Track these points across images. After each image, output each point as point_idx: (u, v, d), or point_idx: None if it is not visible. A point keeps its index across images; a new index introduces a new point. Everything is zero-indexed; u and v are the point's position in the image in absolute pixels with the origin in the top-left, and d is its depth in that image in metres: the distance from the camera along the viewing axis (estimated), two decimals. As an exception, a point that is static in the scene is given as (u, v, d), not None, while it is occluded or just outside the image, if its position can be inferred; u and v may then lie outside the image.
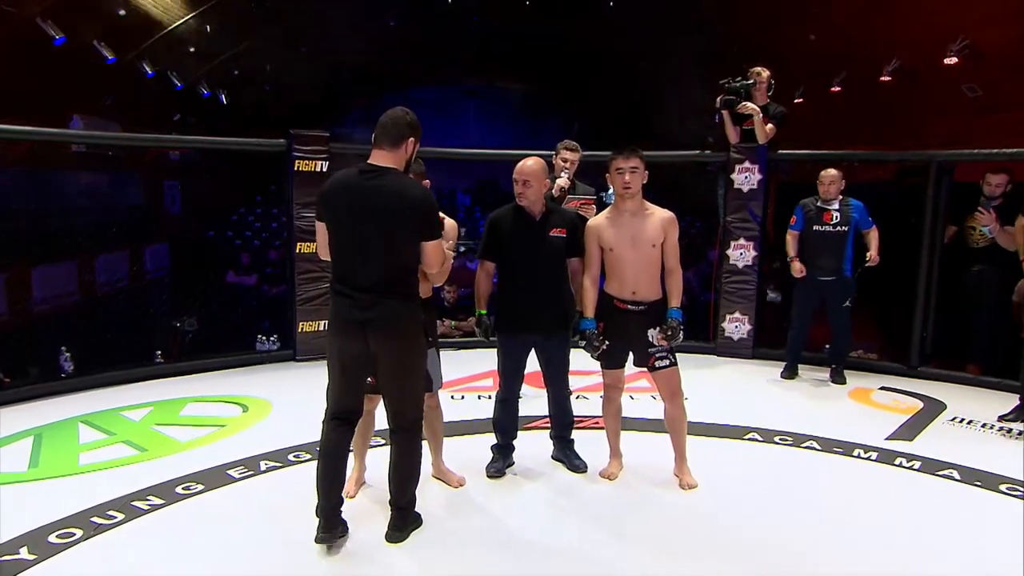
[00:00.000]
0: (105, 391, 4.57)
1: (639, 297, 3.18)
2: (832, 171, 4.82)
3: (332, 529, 2.70)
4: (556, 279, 3.32)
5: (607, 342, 3.21)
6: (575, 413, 3.59)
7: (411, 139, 2.64)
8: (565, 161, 4.23)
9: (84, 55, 7.71)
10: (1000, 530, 2.95)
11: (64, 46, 7.24)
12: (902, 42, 7.99)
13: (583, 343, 3.23)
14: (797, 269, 4.87)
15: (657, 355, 3.20)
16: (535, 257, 3.25)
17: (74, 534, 2.75)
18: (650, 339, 3.18)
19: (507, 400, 3.44)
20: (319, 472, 2.71)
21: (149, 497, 3.07)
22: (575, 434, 3.57)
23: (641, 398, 4.43)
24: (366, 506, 3.07)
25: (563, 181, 4.17)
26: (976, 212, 4.61)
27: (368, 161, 2.62)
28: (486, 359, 4.97)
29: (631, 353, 3.29)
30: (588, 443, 3.58)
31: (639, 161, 3.14)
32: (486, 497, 3.19)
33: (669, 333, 3.15)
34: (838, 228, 4.78)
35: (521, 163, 3.25)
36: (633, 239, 3.16)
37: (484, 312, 3.34)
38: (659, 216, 3.20)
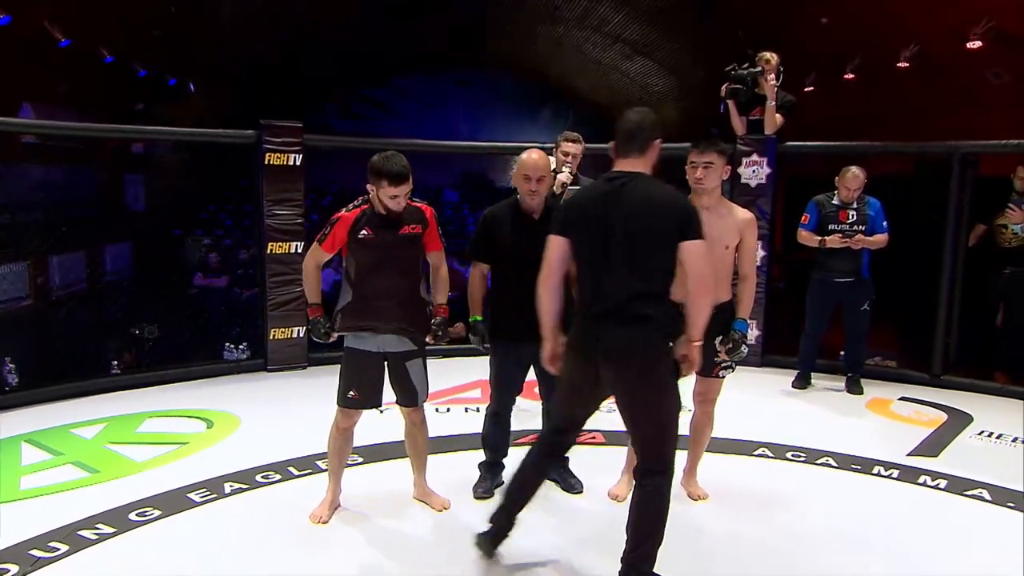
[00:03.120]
0: (54, 406, 4.44)
1: None
2: (859, 173, 4.71)
3: (497, 545, 2.73)
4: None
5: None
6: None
7: (657, 140, 2.61)
8: (566, 155, 4.16)
9: (34, 37, 7.57)
10: (1035, 556, 2.87)
11: (10, 27, 7.09)
12: (921, 25, 7.95)
13: None
14: (837, 240, 4.71)
15: (723, 364, 3.17)
16: (532, 260, 3.16)
17: (8, 570, 2.63)
18: (717, 347, 3.11)
19: (499, 414, 3.36)
20: (514, 481, 2.75)
21: (98, 525, 2.95)
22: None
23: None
24: (341, 532, 2.97)
25: (565, 176, 4.10)
26: (1007, 209, 4.56)
27: (614, 169, 2.60)
28: (473, 368, 4.90)
29: None
30: (582, 461, 3.49)
31: (716, 155, 3.06)
32: (473, 521, 3.08)
33: (730, 346, 3.09)
34: (855, 228, 4.72)
35: (527, 157, 3.15)
36: (707, 237, 3.08)
37: (480, 318, 3.25)
38: (738, 216, 3.13)
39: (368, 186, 2.95)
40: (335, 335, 3.04)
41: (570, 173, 4.14)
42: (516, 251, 3.18)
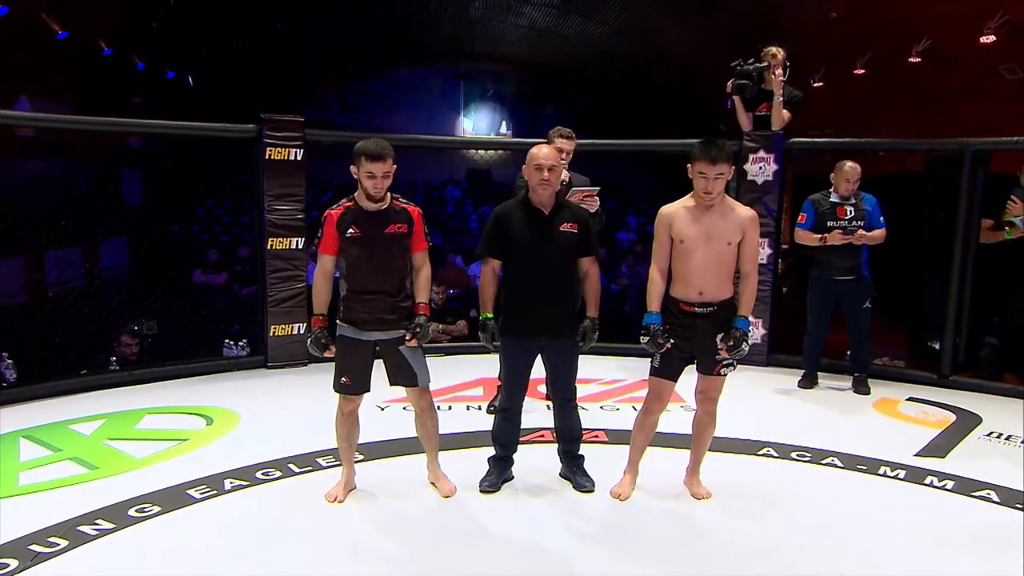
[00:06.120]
0: (52, 402, 4.49)
1: (706, 298, 3.15)
2: (856, 167, 4.73)
3: None
4: (566, 279, 3.30)
5: (672, 340, 3.18)
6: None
7: None
8: (560, 151, 4.18)
9: (31, 29, 7.61)
10: (1042, 557, 2.90)
11: (8, 18, 7.13)
12: (933, 19, 7.96)
13: (645, 339, 3.18)
14: (838, 236, 4.72)
15: (724, 363, 3.20)
16: (543, 254, 3.23)
17: (8, 565, 2.68)
18: (718, 345, 3.15)
19: (510, 411, 3.40)
20: None
21: (97, 521, 3.00)
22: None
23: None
24: (341, 528, 3.01)
25: (564, 174, 4.12)
26: (1008, 202, 4.57)
27: None
28: (475, 366, 4.94)
29: (694, 362, 3.26)
30: (587, 458, 3.53)
31: (726, 166, 3.06)
32: (478, 512, 3.15)
33: (731, 343, 3.12)
34: (855, 223, 4.75)
35: (537, 149, 3.24)
36: (708, 234, 3.12)
37: (491, 316, 3.26)
38: (740, 213, 3.15)
39: (352, 168, 3.08)
40: (333, 349, 3.16)
41: (566, 170, 4.16)
42: (528, 247, 3.23)
